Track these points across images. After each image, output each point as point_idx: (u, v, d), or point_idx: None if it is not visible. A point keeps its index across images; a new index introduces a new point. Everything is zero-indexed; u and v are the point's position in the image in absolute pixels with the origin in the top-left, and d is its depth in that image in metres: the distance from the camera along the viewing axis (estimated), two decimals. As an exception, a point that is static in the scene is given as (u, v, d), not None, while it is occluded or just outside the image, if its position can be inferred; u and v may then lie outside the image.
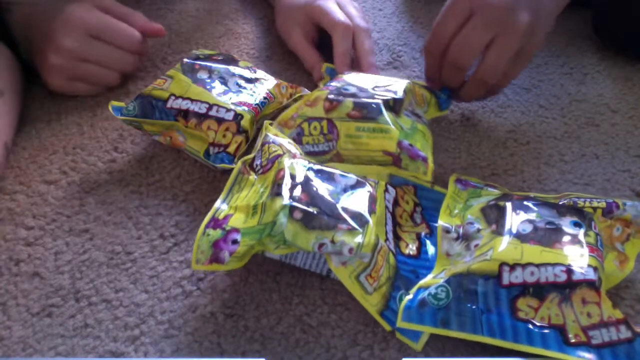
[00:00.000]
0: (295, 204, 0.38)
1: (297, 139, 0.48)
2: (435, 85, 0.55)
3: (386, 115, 0.47)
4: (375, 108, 0.47)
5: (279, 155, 0.42)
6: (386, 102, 0.48)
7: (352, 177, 0.42)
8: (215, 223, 0.38)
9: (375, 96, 0.49)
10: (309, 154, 0.48)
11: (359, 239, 0.37)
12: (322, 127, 0.48)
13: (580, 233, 0.38)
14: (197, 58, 0.54)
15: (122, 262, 0.43)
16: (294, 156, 0.43)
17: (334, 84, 0.52)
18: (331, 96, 0.49)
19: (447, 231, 0.42)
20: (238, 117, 0.49)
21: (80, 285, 0.41)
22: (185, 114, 0.49)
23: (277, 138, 0.46)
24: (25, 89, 0.58)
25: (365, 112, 0.47)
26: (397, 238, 0.42)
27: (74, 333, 0.38)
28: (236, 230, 0.37)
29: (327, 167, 0.43)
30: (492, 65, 0.49)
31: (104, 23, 0.55)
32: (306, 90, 0.57)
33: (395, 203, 0.44)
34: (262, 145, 0.45)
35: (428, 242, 0.43)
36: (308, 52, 0.62)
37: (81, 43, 0.54)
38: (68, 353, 0.37)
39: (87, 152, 0.52)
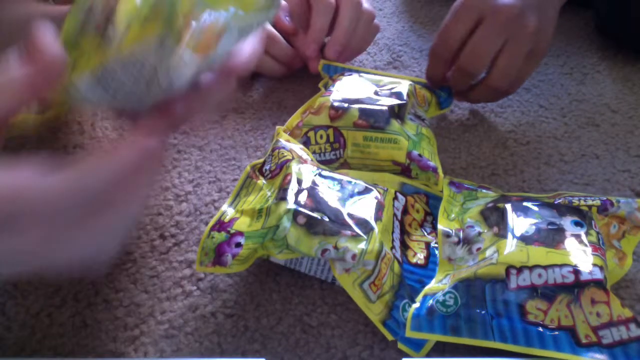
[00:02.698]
0: (299, 208, 0.38)
1: None
2: (436, 85, 0.55)
3: (393, 123, 0.47)
4: (382, 116, 0.47)
5: (288, 160, 0.42)
6: (392, 109, 0.48)
7: (361, 184, 0.42)
8: (221, 226, 0.38)
9: (379, 102, 0.49)
10: None
11: (362, 245, 0.37)
12: (329, 136, 0.48)
13: (582, 232, 0.38)
14: None
15: (122, 262, 0.43)
16: (304, 162, 0.43)
17: (334, 88, 0.51)
18: (336, 104, 0.48)
19: (448, 235, 0.42)
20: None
21: (80, 285, 0.41)
22: None
23: (288, 144, 0.46)
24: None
25: (372, 121, 0.47)
26: (405, 247, 0.42)
27: (74, 333, 0.38)
28: (240, 233, 0.37)
29: (336, 173, 0.43)
30: (503, 71, 0.50)
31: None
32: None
33: (405, 211, 0.44)
34: (273, 150, 0.45)
35: (437, 251, 0.42)
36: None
37: None
38: (68, 353, 0.37)
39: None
